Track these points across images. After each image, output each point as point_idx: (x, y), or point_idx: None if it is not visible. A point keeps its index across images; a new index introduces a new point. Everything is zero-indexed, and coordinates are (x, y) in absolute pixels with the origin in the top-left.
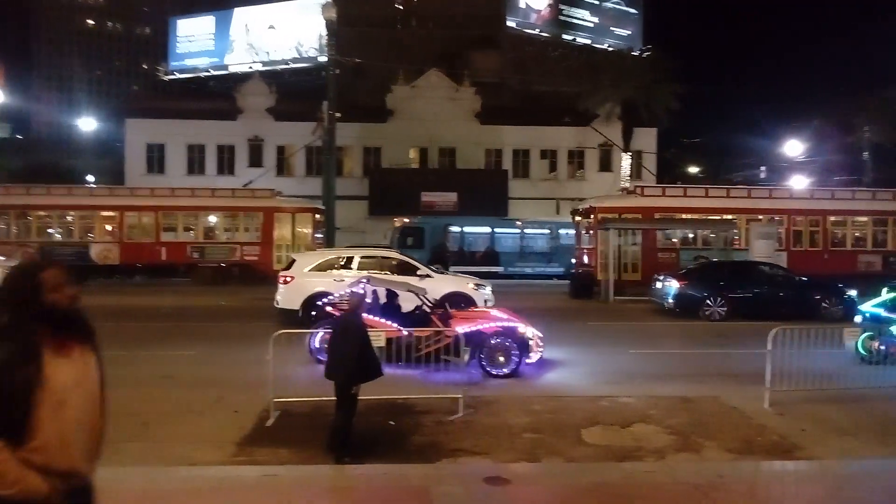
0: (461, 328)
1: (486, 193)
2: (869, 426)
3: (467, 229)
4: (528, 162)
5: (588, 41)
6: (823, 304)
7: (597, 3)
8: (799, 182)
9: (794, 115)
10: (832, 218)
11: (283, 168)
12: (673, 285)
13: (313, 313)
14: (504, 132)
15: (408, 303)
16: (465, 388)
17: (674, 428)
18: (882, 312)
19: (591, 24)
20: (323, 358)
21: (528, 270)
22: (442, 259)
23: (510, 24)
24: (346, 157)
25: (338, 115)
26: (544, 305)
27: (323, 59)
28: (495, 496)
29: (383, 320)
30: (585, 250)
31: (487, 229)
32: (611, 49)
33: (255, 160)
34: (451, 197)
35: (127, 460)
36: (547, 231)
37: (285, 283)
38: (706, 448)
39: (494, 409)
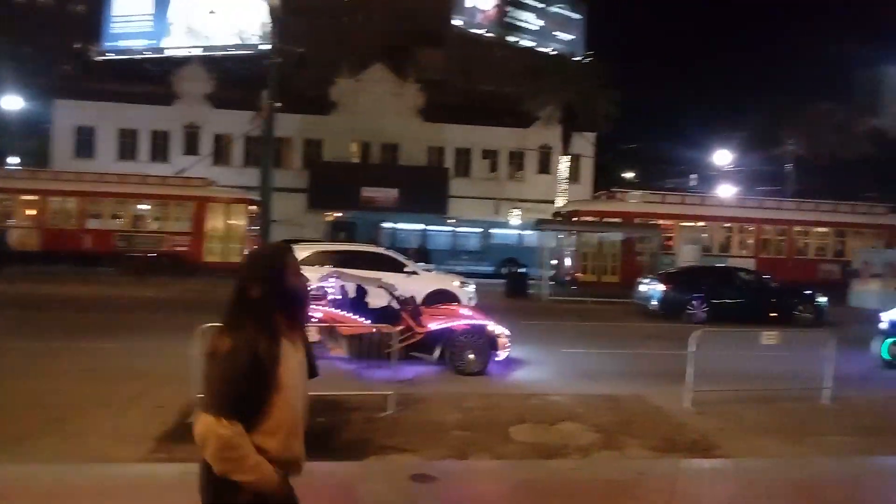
0: (432, 325)
1: (428, 191)
2: (784, 426)
3: (400, 226)
4: (469, 161)
5: (532, 44)
6: (797, 310)
7: (542, 6)
8: (726, 190)
9: (724, 126)
10: (797, 228)
11: (220, 157)
12: (658, 288)
13: None
14: (447, 130)
15: (379, 299)
16: (397, 385)
17: (599, 426)
18: None
19: (536, 28)
20: None
21: (460, 269)
22: None
23: (456, 22)
24: (286, 148)
25: (279, 105)
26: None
27: (265, 47)
28: (421, 494)
29: (351, 315)
30: (566, 252)
31: (420, 226)
32: (554, 53)
33: (191, 148)
34: (392, 193)
35: (38, 456)
36: (479, 230)
37: None
38: (629, 446)
39: (425, 406)
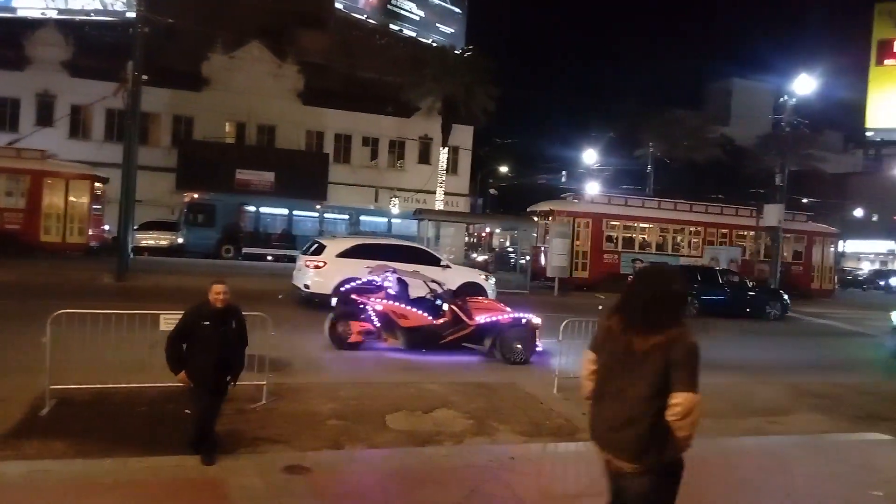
0: (480, 318)
1: (306, 176)
2: None
3: (264, 210)
4: (349, 147)
5: (414, 34)
6: (768, 306)
7: None
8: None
9: (593, 126)
10: (738, 231)
11: (77, 130)
12: None
13: (333, 302)
14: (327, 115)
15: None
16: (270, 375)
17: (472, 413)
18: None
19: (418, 18)
20: (340, 343)
21: None
22: (234, 240)
23: (338, 5)
24: (153, 124)
25: (145, 77)
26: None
27: (131, 14)
28: (294, 486)
29: (413, 309)
30: (542, 248)
31: (285, 211)
32: (435, 45)
33: (45, 118)
34: (269, 176)
35: None
36: (346, 217)
37: (317, 268)
38: (500, 431)
39: (300, 396)
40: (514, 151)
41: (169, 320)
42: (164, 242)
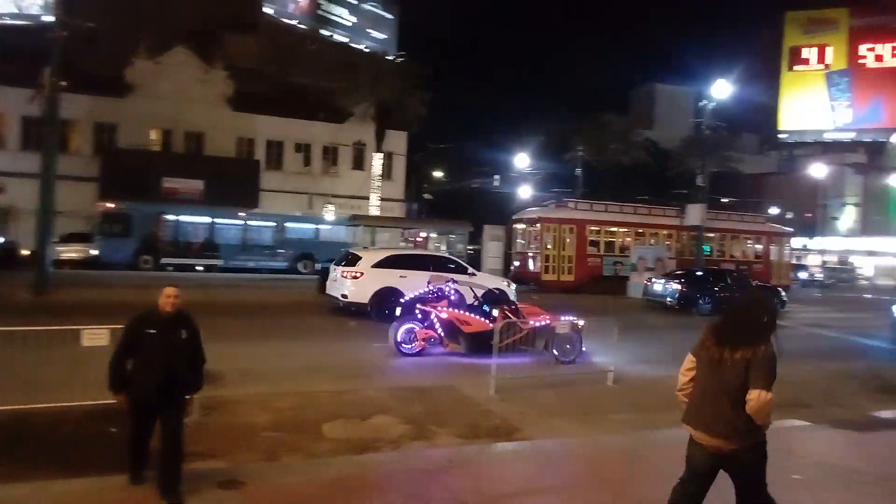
0: (533, 322)
1: (237, 183)
2: (576, 407)
3: (185, 218)
4: (281, 154)
5: (346, 40)
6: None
7: (355, 2)
8: (525, 192)
9: (525, 131)
10: (708, 234)
11: None
12: (675, 287)
13: (398, 309)
14: (257, 121)
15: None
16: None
17: (411, 418)
18: None
19: (349, 24)
20: (405, 350)
21: (251, 264)
22: (152, 250)
23: (267, 10)
24: (73, 132)
25: (63, 83)
26: (292, 300)
27: (48, 18)
28: (229, 501)
29: (475, 316)
30: (529, 254)
31: (207, 219)
32: (367, 50)
33: None
34: (198, 184)
35: None
36: (273, 224)
37: (354, 278)
38: (439, 435)
39: (233, 408)
40: (448, 156)
41: (92, 336)
42: (74, 255)
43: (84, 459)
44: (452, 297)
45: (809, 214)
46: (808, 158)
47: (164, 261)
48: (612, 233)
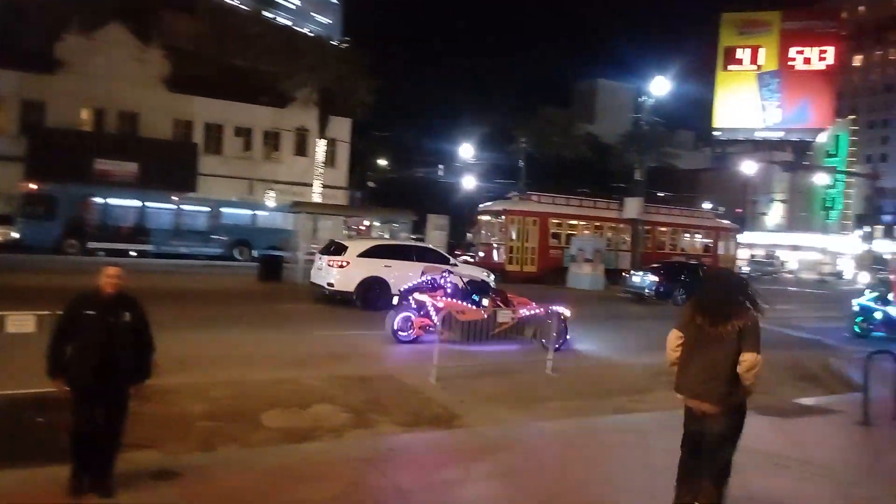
0: (522, 312)
1: (174, 167)
2: (515, 395)
3: (113, 202)
4: (221, 138)
5: (289, 22)
6: None
7: None
8: (469, 182)
9: (469, 122)
10: (660, 228)
11: None
12: (652, 279)
13: (396, 301)
14: (196, 103)
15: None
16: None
17: (351, 406)
18: (871, 304)
19: (293, 6)
20: (402, 337)
21: (184, 250)
22: (78, 234)
23: None
24: None
25: None
26: (231, 287)
27: None
28: (163, 492)
29: (470, 305)
30: (494, 245)
31: (137, 203)
32: (311, 35)
33: None
34: (132, 167)
35: None
36: (207, 209)
37: (341, 267)
38: (380, 423)
39: (168, 397)
40: (393, 145)
41: (17, 322)
42: None
43: (8, 451)
44: (448, 288)
45: (740, 210)
46: (740, 156)
47: (92, 245)
48: (573, 226)
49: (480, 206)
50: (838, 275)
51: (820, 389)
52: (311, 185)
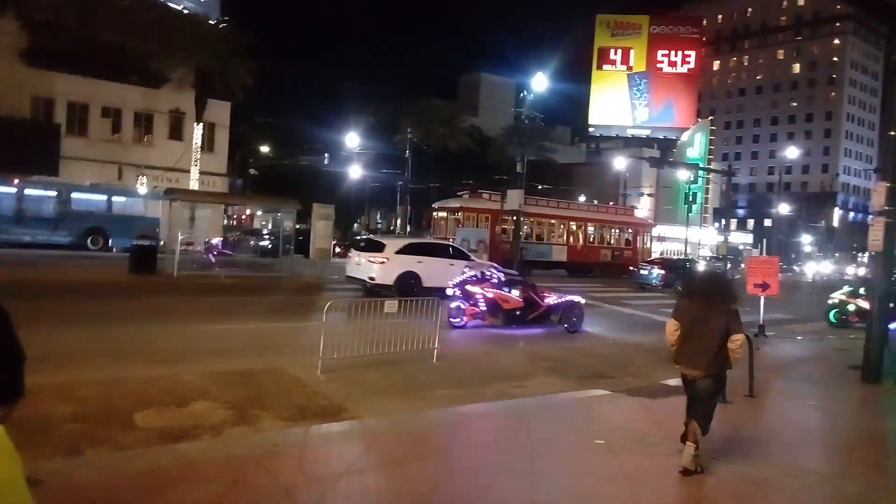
0: (549, 300)
1: (32, 148)
2: (401, 385)
3: None
4: (86, 118)
5: None
6: None
7: None
8: (356, 171)
9: (355, 111)
10: (590, 224)
11: None
12: (659, 272)
13: (450, 291)
14: (57, 80)
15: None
16: None
17: (232, 402)
18: (845, 298)
19: None
20: (455, 323)
21: (28, 238)
22: None
23: None
24: None
25: None
26: (99, 279)
27: None
28: None
29: (511, 294)
30: (451, 239)
31: None
32: (186, 12)
33: None
34: None
35: None
36: (54, 194)
37: (381, 263)
38: (263, 419)
39: (28, 399)
40: (277, 131)
41: None
42: None
43: None
44: (494, 280)
45: (612, 203)
46: (613, 151)
47: None
48: (521, 222)
49: (436, 204)
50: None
51: None
52: (188, 172)
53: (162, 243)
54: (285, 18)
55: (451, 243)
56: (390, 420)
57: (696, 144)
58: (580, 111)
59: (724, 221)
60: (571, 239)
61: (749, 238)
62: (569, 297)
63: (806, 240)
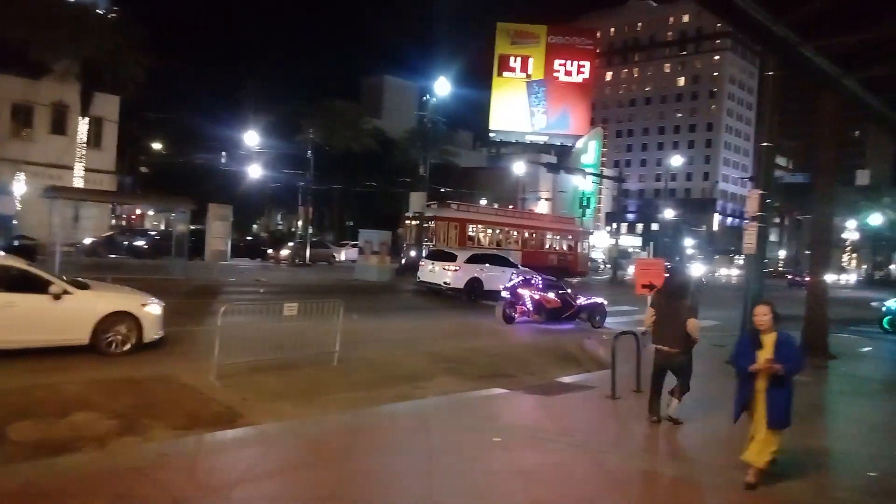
0: (580, 301)
1: None
2: (300, 390)
3: None
4: None
5: None
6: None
7: None
8: (255, 171)
9: (255, 109)
10: (537, 231)
11: None
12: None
13: (503, 294)
14: None
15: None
16: None
17: (118, 412)
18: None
19: None
20: (509, 320)
21: None
22: None
23: None
24: None
25: None
26: None
27: None
28: None
29: (553, 296)
30: (423, 245)
31: None
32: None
33: None
34: None
35: None
36: None
37: (454, 271)
38: (152, 428)
39: None
40: (171, 128)
41: None
42: None
43: None
44: (540, 285)
45: (512, 206)
46: (512, 156)
47: None
48: (484, 230)
49: (408, 213)
50: (595, 267)
51: (578, 368)
52: (72, 168)
53: (38, 244)
54: (183, 13)
55: (505, 255)
56: (289, 425)
57: (589, 151)
58: (482, 116)
59: (615, 225)
60: (524, 245)
61: (639, 241)
62: (594, 300)
63: (689, 243)
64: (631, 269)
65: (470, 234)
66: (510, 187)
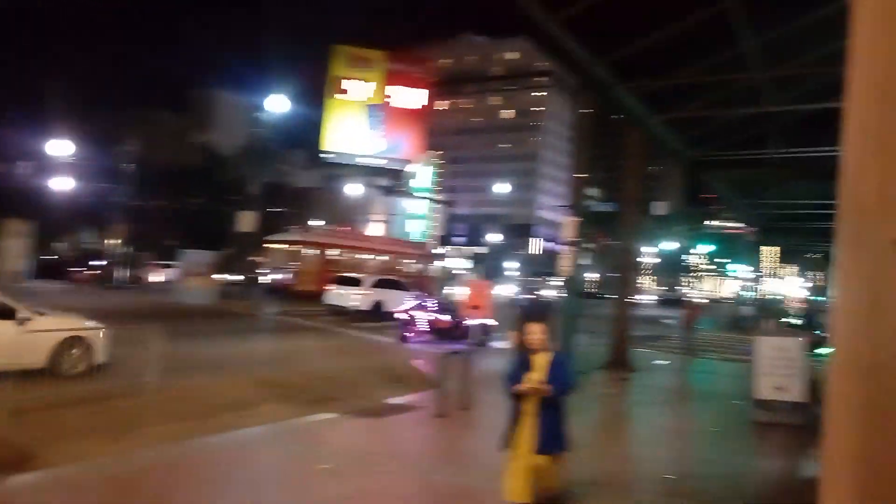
0: (468, 321)
1: None
2: (110, 425)
3: None
4: None
5: None
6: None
7: None
8: (65, 183)
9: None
10: (385, 255)
11: None
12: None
13: (400, 316)
14: None
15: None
16: None
17: None
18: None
19: None
20: (407, 340)
21: None
22: None
23: None
24: None
25: None
26: None
27: None
28: None
29: (442, 318)
30: (286, 268)
31: None
32: None
33: None
34: None
35: None
36: None
37: (362, 294)
38: None
39: None
40: None
41: None
42: None
43: None
44: (431, 307)
45: (348, 227)
46: (347, 178)
47: None
48: (342, 254)
49: (270, 236)
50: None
51: (407, 389)
52: None
53: None
54: None
55: (400, 279)
56: (92, 466)
57: (424, 176)
58: (317, 136)
59: (446, 248)
60: (383, 268)
61: (469, 263)
62: (482, 320)
63: (512, 265)
64: (456, 291)
65: (331, 257)
66: (345, 209)
